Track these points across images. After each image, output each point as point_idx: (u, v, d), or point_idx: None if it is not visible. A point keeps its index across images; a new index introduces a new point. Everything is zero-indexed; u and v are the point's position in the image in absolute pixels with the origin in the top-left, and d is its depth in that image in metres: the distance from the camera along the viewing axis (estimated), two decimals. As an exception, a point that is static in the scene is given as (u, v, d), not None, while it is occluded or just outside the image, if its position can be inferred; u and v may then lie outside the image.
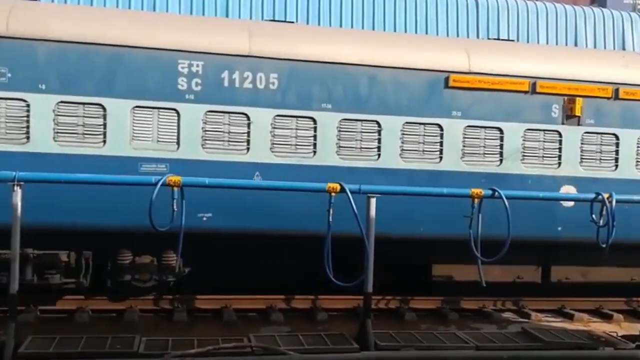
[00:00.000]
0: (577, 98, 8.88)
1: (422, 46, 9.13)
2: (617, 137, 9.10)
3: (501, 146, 8.77)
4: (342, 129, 8.33)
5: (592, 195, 7.43)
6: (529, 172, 8.85)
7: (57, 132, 7.63)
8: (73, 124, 7.67)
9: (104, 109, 7.71)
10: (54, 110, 7.62)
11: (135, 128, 7.81)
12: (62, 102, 7.64)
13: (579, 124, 8.98)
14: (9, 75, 7.48)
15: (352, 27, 12.75)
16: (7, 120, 7.52)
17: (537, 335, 7.32)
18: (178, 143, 7.90)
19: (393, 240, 7.78)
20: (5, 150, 7.47)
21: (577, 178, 8.92)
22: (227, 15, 12.25)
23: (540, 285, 9.53)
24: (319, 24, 12.64)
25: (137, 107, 7.80)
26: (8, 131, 7.53)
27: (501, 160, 8.77)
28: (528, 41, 13.56)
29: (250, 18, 12.31)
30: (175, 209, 6.33)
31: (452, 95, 8.61)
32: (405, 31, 13.00)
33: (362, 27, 12.75)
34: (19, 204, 6.14)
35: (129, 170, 7.50)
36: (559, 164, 8.95)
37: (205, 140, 7.97)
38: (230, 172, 7.63)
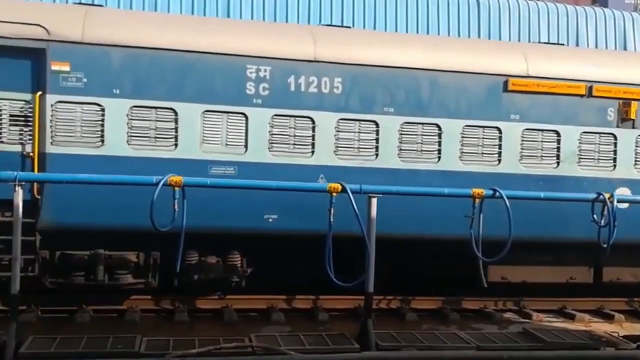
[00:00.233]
0: (632, 101, 9.03)
1: (481, 50, 9.31)
2: None
3: (558, 149, 8.92)
4: (403, 132, 8.47)
5: (593, 195, 7.49)
6: (584, 174, 8.98)
7: (131, 136, 7.79)
8: (146, 127, 7.84)
9: (176, 113, 7.88)
10: (127, 115, 7.77)
11: (205, 132, 7.96)
12: (135, 106, 7.80)
13: (633, 127, 9.14)
14: (85, 80, 7.62)
15: (353, 26, 12.73)
16: (82, 124, 7.67)
17: (538, 336, 7.33)
18: (246, 146, 8.05)
19: (454, 242, 7.89)
20: (81, 153, 7.62)
21: (632, 180, 9.09)
22: (228, 16, 12.25)
23: (591, 285, 9.59)
24: (320, 22, 12.62)
25: (207, 111, 7.96)
26: (83, 135, 7.68)
27: (558, 163, 8.93)
28: (529, 41, 13.54)
29: (252, 18, 12.31)
30: (177, 209, 6.35)
31: (510, 98, 8.77)
32: (406, 30, 12.99)
33: (364, 27, 12.74)
34: (20, 204, 6.16)
35: (199, 172, 7.62)
36: (614, 166, 9.11)
37: (272, 143, 8.13)
38: (295, 174, 7.81)
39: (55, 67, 7.54)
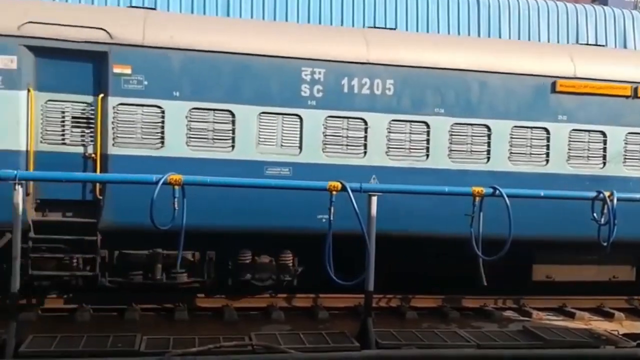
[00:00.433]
0: None
1: (529, 52, 9.40)
2: None
3: (604, 149, 9.05)
4: (453, 133, 8.59)
5: (594, 194, 7.52)
6: (630, 174, 9.11)
7: (190, 137, 7.92)
8: (204, 129, 7.97)
9: (233, 115, 8.02)
10: (186, 117, 7.89)
11: (261, 133, 8.09)
12: (194, 108, 7.93)
13: None
14: (146, 83, 7.78)
15: (353, 25, 12.73)
16: (142, 126, 7.81)
17: (538, 334, 7.33)
18: (300, 147, 8.21)
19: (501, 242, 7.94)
20: (142, 154, 7.76)
21: None
22: (227, 15, 12.24)
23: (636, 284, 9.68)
24: (319, 22, 12.62)
25: (263, 113, 8.08)
26: (144, 136, 7.81)
27: (604, 163, 9.04)
28: (529, 39, 13.55)
29: (252, 17, 12.30)
30: (176, 207, 6.36)
31: (558, 99, 8.90)
32: (406, 29, 12.99)
33: (363, 25, 12.73)
34: (20, 202, 6.16)
35: (255, 173, 7.79)
36: None
37: (326, 144, 8.28)
38: (348, 175, 7.82)
39: (117, 69, 7.70)
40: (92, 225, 7.67)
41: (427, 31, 13.11)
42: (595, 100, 8.98)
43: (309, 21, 12.59)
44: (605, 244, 7.42)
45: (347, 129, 8.33)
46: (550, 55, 9.27)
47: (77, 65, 7.70)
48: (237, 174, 7.39)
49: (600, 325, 8.64)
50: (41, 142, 7.66)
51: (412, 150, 8.50)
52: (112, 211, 7.62)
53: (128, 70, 7.70)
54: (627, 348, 7.15)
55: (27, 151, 7.51)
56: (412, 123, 8.48)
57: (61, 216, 7.76)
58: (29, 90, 7.55)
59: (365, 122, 8.34)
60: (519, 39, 13.40)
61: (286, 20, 12.40)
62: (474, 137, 8.68)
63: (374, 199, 6.80)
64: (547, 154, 8.86)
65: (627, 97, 9.07)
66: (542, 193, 7.83)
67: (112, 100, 7.69)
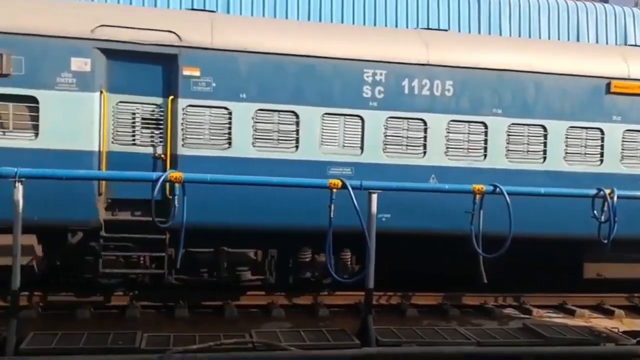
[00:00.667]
0: None
1: (584, 54, 9.54)
2: None
3: None
4: (510, 133, 8.69)
5: (594, 191, 7.58)
6: None
7: (256, 138, 8.02)
8: (269, 130, 8.09)
9: (297, 116, 8.12)
10: (253, 118, 7.98)
11: (324, 134, 8.19)
12: (260, 109, 8.03)
13: None
14: (214, 84, 7.88)
15: (353, 22, 12.71)
16: (210, 127, 7.92)
17: (539, 331, 7.34)
18: (362, 148, 8.30)
19: (551, 241, 8.16)
20: (210, 155, 7.89)
21: None
22: (227, 12, 12.22)
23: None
24: (320, 20, 12.60)
25: (326, 114, 8.18)
26: (212, 137, 7.92)
27: None
28: (529, 36, 13.53)
29: (251, 15, 12.28)
30: (177, 205, 6.37)
31: (612, 100, 9.00)
32: (407, 26, 12.97)
33: (364, 23, 12.72)
34: (20, 200, 6.15)
35: (318, 173, 7.84)
36: None
37: (386, 144, 8.37)
38: (408, 175, 8.05)
39: (186, 72, 7.80)
40: (162, 224, 7.64)
41: (428, 27, 13.09)
42: None
43: (309, 19, 12.57)
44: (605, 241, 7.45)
45: (407, 130, 8.43)
46: (604, 57, 9.43)
47: (148, 68, 7.82)
48: (300, 174, 7.52)
49: (601, 322, 8.65)
50: (113, 142, 7.76)
51: (470, 150, 8.61)
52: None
53: (197, 73, 7.81)
54: (627, 345, 7.16)
55: (99, 151, 7.61)
56: (471, 123, 8.59)
57: (130, 215, 7.86)
58: (101, 92, 7.63)
59: (425, 123, 8.43)
60: (519, 36, 13.38)
61: (286, 17, 12.37)
62: (530, 138, 8.80)
63: (374, 197, 6.80)
64: (602, 154, 8.98)
65: None
66: (542, 190, 7.87)
67: (182, 102, 7.79)
